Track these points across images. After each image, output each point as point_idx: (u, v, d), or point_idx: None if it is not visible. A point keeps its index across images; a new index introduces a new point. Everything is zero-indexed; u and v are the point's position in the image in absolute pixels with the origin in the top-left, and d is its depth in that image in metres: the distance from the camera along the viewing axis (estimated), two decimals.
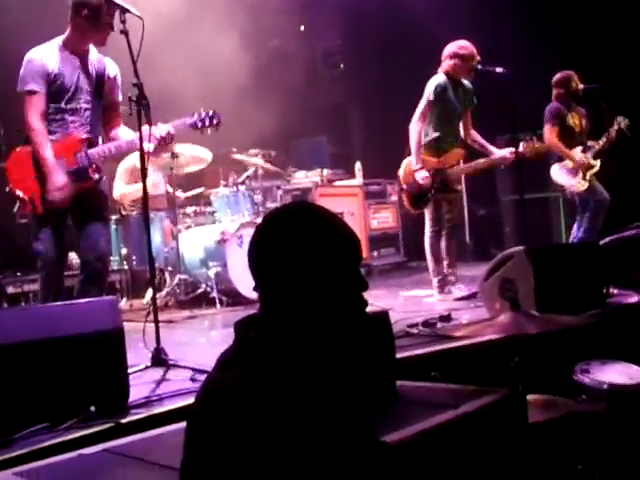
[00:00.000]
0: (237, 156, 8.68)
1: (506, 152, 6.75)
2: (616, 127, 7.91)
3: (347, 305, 1.83)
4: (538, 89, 8.28)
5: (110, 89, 5.23)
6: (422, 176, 6.70)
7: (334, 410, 1.76)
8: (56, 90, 4.97)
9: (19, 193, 4.99)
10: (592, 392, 3.80)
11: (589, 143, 8.05)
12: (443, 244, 6.93)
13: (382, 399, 2.83)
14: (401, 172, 6.95)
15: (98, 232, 5.06)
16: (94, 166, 5.04)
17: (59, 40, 5.04)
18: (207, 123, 5.13)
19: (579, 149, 7.96)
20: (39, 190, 4.94)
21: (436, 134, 6.81)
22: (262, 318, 1.85)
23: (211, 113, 5.14)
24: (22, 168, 5.02)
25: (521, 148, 6.67)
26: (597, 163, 7.90)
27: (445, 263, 6.92)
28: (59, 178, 4.89)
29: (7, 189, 5.08)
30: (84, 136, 5.04)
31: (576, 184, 7.91)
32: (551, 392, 3.66)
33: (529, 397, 3.36)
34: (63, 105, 5.00)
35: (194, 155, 7.82)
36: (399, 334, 4.66)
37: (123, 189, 8.15)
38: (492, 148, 7.07)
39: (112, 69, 5.23)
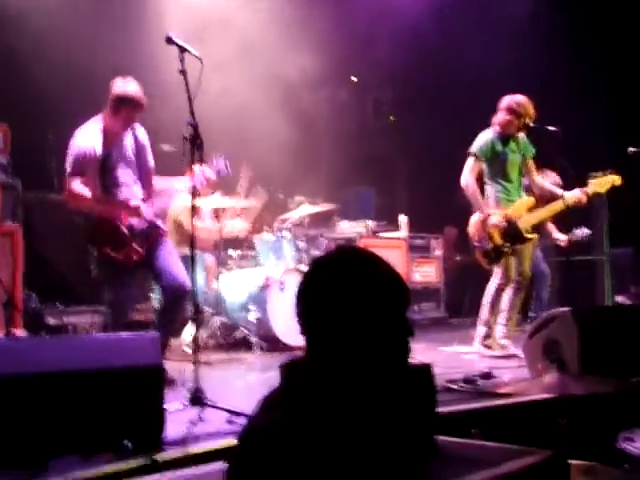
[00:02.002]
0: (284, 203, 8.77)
1: (577, 192, 6.66)
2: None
3: (392, 350, 1.80)
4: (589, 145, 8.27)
5: (144, 156, 5.69)
6: (496, 220, 6.64)
7: (375, 458, 1.73)
8: (110, 166, 5.46)
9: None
10: (636, 462, 3.69)
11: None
12: (507, 297, 6.83)
13: (421, 453, 2.76)
14: (471, 229, 6.82)
15: (177, 269, 5.48)
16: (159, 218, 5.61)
17: (100, 122, 5.49)
18: (222, 172, 5.64)
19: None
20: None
21: (499, 187, 6.79)
22: (308, 362, 1.82)
23: (222, 161, 5.64)
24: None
25: (592, 187, 6.68)
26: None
27: (504, 315, 6.81)
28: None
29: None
30: (140, 196, 5.55)
31: None
32: (592, 457, 3.55)
33: (571, 462, 3.26)
34: (114, 177, 5.49)
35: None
36: (439, 389, 4.56)
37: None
38: (561, 191, 6.97)
39: (142, 137, 5.69)
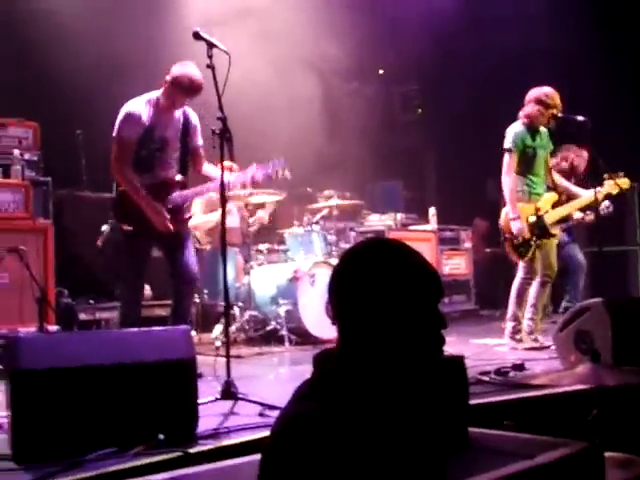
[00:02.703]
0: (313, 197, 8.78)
1: (593, 192, 6.66)
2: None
3: (425, 341, 1.79)
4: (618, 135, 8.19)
5: (193, 136, 5.75)
6: (517, 227, 6.63)
7: (407, 449, 1.72)
8: (149, 139, 5.52)
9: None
10: None
11: None
12: (533, 289, 6.80)
13: (453, 444, 2.75)
14: (501, 221, 6.85)
15: (189, 259, 5.69)
16: (187, 205, 5.75)
17: (153, 95, 5.58)
18: (280, 174, 5.59)
19: None
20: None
21: (526, 181, 6.76)
22: (340, 352, 1.82)
23: (283, 162, 5.59)
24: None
25: (606, 188, 6.64)
26: None
27: (531, 309, 6.79)
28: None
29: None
30: (177, 178, 5.65)
31: None
32: (627, 449, 3.53)
33: (605, 454, 3.23)
34: (154, 152, 5.57)
35: (267, 202, 8.16)
36: (470, 381, 4.56)
37: (198, 219, 8.26)
38: (577, 190, 7.00)
39: (194, 118, 5.77)
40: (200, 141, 5.82)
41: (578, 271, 8.39)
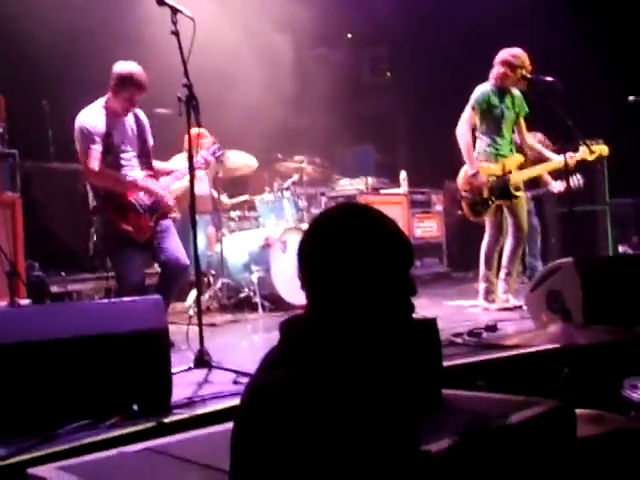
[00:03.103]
0: (283, 163, 8.73)
1: (567, 157, 6.64)
2: None
3: (395, 308, 1.78)
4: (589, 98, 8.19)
5: (146, 135, 5.74)
6: (479, 180, 6.64)
7: (380, 413, 1.72)
8: (110, 145, 5.45)
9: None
10: None
11: None
12: (506, 251, 6.84)
13: (427, 407, 2.77)
14: (459, 180, 6.86)
15: (177, 247, 5.64)
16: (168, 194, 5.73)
17: (103, 102, 5.52)
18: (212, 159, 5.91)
19: None
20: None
21: (491, 142, 6.76)
22: (309, 318, 1.81)
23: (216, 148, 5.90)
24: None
25: (580, 154, 6.64)
26: None
27: (504, 270, 6.84)
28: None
29: None
30: (147, 173, 5.63)
31: None
32: (597, 406, 3.57)
33: (577, 411, 3.27)
34: (116, 157, 5.49)
35: (242, 162, 7.99)
36: (444, 343, 4.58)
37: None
38: (550, 154, 6.99)
39: (143, 117, 5.76)
40: (151, 141, 5.80)
41: (532, 234, 8.45)
